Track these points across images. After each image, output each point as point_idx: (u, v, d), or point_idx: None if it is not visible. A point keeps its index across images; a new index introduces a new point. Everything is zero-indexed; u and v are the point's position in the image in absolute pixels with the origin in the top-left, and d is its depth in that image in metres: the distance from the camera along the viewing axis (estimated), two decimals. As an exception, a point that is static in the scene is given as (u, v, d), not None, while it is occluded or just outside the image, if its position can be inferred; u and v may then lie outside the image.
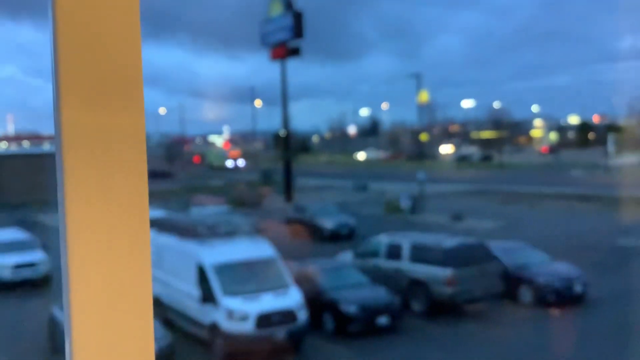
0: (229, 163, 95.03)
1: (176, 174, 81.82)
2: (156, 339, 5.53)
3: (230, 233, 15.56)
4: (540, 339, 14.77)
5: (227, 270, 14.38)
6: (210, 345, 14.15)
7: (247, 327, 13.50)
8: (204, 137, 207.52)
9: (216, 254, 14.71)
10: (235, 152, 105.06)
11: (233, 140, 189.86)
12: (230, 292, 13.92)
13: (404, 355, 14.21)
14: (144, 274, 0.97)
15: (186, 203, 39.02)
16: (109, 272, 0.91)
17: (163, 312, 16.25)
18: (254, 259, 14.95)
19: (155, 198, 45.91)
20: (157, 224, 17.97)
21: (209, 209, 28.54)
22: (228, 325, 13.57)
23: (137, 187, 0.94)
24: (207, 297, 14.09)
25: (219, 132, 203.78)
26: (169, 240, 16.44)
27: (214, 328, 13.93)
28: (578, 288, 17.36)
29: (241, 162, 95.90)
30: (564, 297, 17.14)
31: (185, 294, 15.12)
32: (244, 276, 14.53)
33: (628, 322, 15.72)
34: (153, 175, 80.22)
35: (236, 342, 13.55)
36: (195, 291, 14.52)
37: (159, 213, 24.74)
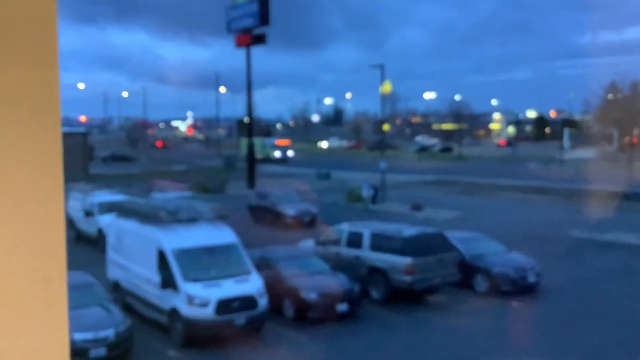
0: (277, 153, 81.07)
1: (138, 158, 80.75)
2: (115, 324, 5.74)
3: (192, 219, 15.50)
4: (493, 327, 15.20)
5: (188, 255, 14.36)
6: (169, 331, 14.17)
7: (207, 312, 13.54)
8: (167, 122, 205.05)
9: (177, 239, 14.67)
10: (284, 140, 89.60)
11: (196, 126, 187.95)
12: (190, 277, 13.93)
13: (362, 341, 14.45)
14: (57, 263, 0.80)
15: (148, 188, 38.62)
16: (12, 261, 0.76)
17: (122, 296, 16.21)
18: (215, 245, 14.97)
19: (116, 182, 45.29)
20: (117, 209, 17.84)
21: (171, 194, 28.33)
22: (188, 311, 13.59)
23: (48, 163, 0.76)
24: (168, 282, 14.06)
25: (183, 118, 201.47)
26: (129, 225, 16.35)
27: (173, 313, 13.94)
28: (532, 278, 17.87)
29: (291, 153, 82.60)
30: (518, 287, 17.63)
31: (145, 279, 15.06)
32: (205, 262, 14.54)
33: (577, 311, 16.29)
34: (114, 159, 79.04)
35: (196, 327, 13.58)
36: (155, 276, 14.47)
37: (119, 197, 24.49)
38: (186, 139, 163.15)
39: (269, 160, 77.86)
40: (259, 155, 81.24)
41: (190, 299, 13.59)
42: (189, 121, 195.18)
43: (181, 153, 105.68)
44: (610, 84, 39.31)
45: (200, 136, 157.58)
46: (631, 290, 18.25)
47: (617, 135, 40.71)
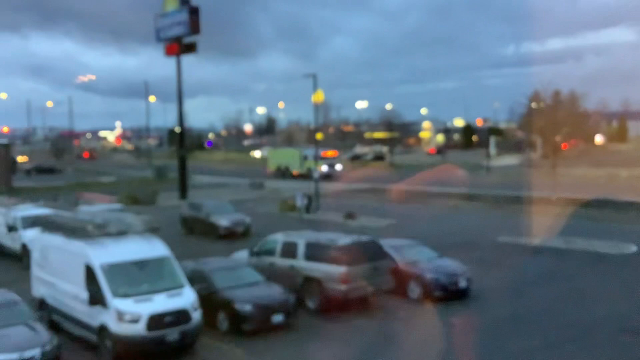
0: (323, 168, 60.65)
1: (64, 169, 78.14)
2: (41, 343, 5.47)
3: (121, 232, 15.05)
4: (427, 333, 15.39)
5: (117, 270, 13.92)
6: (99, 349, 13.69)
7: (139, 329, 13.15)
8: (95, 132, 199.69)
9: (106, 253, 14.20)
10: (331, 151, 70.13)
11: (125, 136, 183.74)
12: (120, 293, 13.51)
13: (297, 352, 14.37)
14: None
15: (74, 200, 37.40)
16: None
17: (48, 314, 15.59)
18: (146, 259, 14.56)
19: (40, 195, 43.66)
20: (42, 223, 17.14)
21: (99, 207, 27.50)
22: (118, 328, 13.16)
23: None
24: (96, 298, 13.59)
25: (111, 128, 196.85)
26: (54, 240, 15.74)
27: (103, 331, 13.48)
28: (463, 283, 18.26)
29: (339, 166, 66.38)
30: (449, 292, 17.97)
31: (72, 296, 14.53)
32: (136, 277, 14.12)
33: (506, 316, 16.72)
34: (39, 170, 76.25)
35: (127, 344, 13.16)
36: (83, 293, 13.97)
37: (44, 211, 23.60)
38: (115, 150, 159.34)
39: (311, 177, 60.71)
40: (295, 170, 64.85)
41: (120, 315, 13.17)
42: (118, 131, 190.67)
43: (110, 164, 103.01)
44: (533, 93, 40.80)
45: (129, 146, 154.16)
46: (558, 294, 18.89)
47: (541, 142, 42.25)
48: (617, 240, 26.37)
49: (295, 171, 64.89)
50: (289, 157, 67.58)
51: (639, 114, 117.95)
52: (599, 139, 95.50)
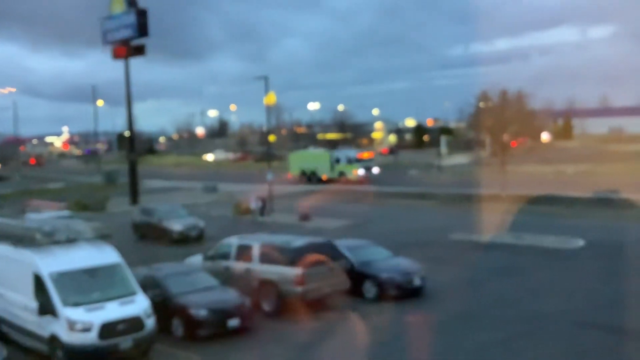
0: (360, 171, 58.31)
1: (10, 176, 75.96)
2: (-11, 355, 5.09)
3: (70, 239, 14.71)
4: (383, 334, 15.49)
5: (67, 278, 13.62)
6: (50, 359, 13.34)
7: (91, 337, 12.87)
8: (41, 138, 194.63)
9: (55, 262, 13.86)
10: (368, 152, 66.66)
11: (73, 141, 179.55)
12: (71, 302, 13.20)
13: (254, 356, 14.29)
14: None
15: (22, 208, 36.40)
16: None
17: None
18: (97, 266, 14.27)
19: (-16, 203, 42.26)
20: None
21: (47, 214, 26.79)
22: (69, 337, 12.86)
23: None
24: (46, 308, 13.25)
25: (58, 133, 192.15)
26: (1, 249, 15.27)
27: (54, 341, 13.16)
28: (417, 281, 18.46)
29: (377, 169, 61.41)
30: (404, 291, 18.15)
31: (21, 306, 14.14)
32: (87, 284, 13.83)
33: (461, 312, 16.98)
34: (-18, 178, 73.79)
35: (79, 354, 12.87)
36: (32, 303, 13.61)
37: (-12, 220, 22.83)
38: (62, 155, 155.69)
39: (347, 180, 56.80)
40: (325, 174, 58.67)
41: (71, 325, 12.87)
42: (65, 136, 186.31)
43: (57, 170, 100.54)
44: (481, 93, 41.47)
45: (77, 152, 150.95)
46: (511, 289, 19.28)
47: (490, 141, 43.01)
48: (565, 235, 27.05)
49: (324, 176, 58.85)
50: (316, 160, 60.94)
51: (583, 112, 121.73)
52: (545, 136, 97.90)
